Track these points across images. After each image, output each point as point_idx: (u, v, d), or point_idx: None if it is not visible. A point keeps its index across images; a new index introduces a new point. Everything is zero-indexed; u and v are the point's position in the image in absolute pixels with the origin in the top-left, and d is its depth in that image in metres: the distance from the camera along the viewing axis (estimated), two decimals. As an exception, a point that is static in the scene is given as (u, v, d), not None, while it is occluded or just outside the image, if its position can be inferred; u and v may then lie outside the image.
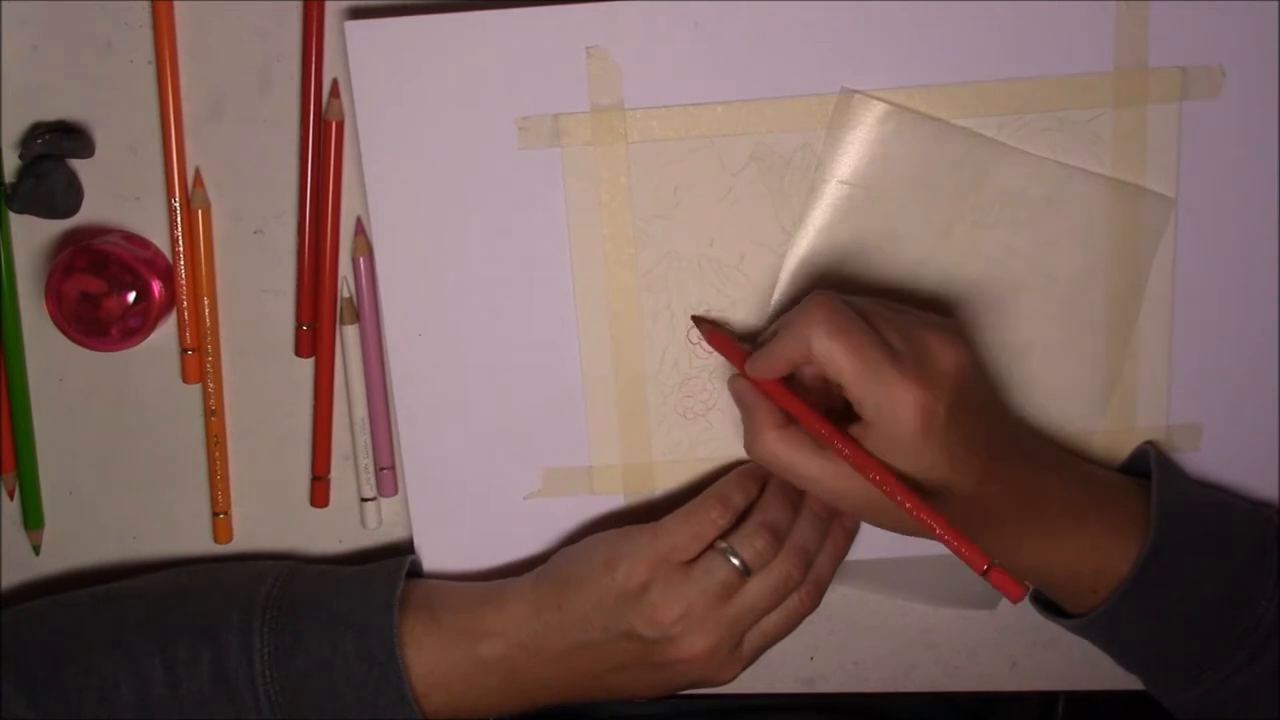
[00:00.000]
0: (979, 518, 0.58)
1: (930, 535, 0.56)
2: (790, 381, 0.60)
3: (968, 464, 0.57)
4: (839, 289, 0.63)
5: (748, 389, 0.60)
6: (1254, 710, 0.60)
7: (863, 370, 0.55)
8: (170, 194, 0.65)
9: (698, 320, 0.65)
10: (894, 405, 0.55)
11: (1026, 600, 0.67)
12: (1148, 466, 0.63)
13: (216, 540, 0.70)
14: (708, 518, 0.61)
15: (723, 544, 0.61)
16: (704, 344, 0.65)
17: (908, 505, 0.56)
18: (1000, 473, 0.58)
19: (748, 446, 0.60)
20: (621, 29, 0.61)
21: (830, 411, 0.58)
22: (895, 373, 0.55)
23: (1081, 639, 0.64)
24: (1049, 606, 0.65)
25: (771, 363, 0.59)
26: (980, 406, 0.58)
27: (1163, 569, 0.60)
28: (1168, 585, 0.60)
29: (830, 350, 0.56)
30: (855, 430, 0.57)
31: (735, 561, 0.61)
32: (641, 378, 0.66)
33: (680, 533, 0.61)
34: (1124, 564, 0.60)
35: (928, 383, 0.55)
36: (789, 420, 0.59)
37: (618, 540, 0.62)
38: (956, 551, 0.56)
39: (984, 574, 0.55)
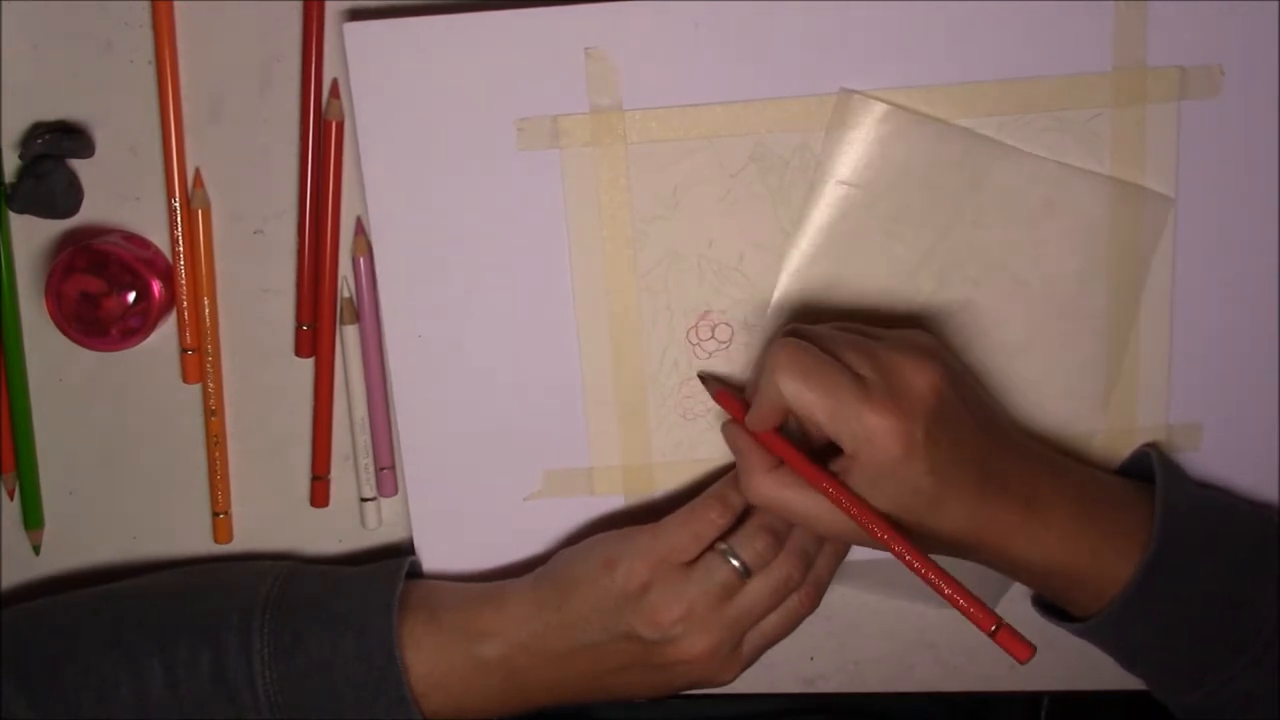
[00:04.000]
0: (980, 529, 0.58)
1: (935, 591, 0.56)
2: (783, 425, 0.60)
3: (961, 480, 0.57)
4: (837, 289, 0.64)
5: (739, 434, 0.61)
6: (1256, 712, 0.60)
7: (834, 407, 0.56)
8: (170, 194, 0.65)
9: (704, 378, 0.65)
10: (870, 436, 0.55)
11: (1027, 601, 0.67)
12: (1147, 468, 0.63)
13: (216, 540, 0.70)
14: (707, 518, 0.61)
15: (723, 545, 0.61)
16: (703, 345, 0.65)
17: (913, 564, 0.56)
18: (998, 483, 0.58)
19: (743, 489, 0.60)
20: (620, 29, 0.61)
21: (825, 447, 0.58)
22: (866, 406, 0.55)
23: (1081, 640, 0.63)
24: (1052, 610, 0.64)
25: (763, 416, 0.59)
26: (966, 421, 0.58)
27: (1166, 573, 0.59)
28: (1171, 589, 0.60)
29: (799, 393, 0.56)
30: (841, 463, 0.57)
31: (735, 562, 0.61)
32: (641, 378, 0.66)
33: (680, 533, 0.61)
34: (1127, 568, 0.59)
35: (901, 408, 0.56)
36: (779, 462, 0.59)
37: (617, 541, 0.62)
38: (963, 610, 0.56)
39: (991, 635, 0.55)
